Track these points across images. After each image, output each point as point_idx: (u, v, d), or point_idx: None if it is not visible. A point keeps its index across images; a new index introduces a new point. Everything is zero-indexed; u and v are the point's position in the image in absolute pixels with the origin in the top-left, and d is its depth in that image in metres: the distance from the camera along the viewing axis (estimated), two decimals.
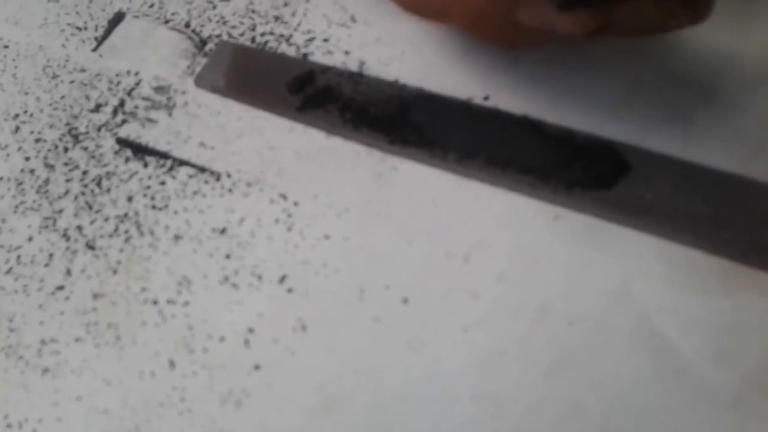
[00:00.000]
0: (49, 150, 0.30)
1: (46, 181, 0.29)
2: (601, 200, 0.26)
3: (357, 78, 0.30)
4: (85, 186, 0.29)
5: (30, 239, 0.28)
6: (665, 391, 0.23)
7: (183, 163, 0.29)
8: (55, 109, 0.31)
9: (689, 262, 0.24)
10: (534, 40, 0.24)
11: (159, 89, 0.31)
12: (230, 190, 0.28)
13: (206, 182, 0.28)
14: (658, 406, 0.22)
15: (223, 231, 0.27)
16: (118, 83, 0.31)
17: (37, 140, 0.30)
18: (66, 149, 0.30)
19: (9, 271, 0.27)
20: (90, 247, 0.27)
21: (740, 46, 0.28)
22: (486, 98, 0.29)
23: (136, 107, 0.31)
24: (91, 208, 0.28)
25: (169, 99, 0.31)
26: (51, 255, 0.27)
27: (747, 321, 0.23)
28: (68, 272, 0.27)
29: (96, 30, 0.33)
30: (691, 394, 0.22)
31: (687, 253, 0.25)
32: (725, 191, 0.25)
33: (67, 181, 0.29)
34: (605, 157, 0.27)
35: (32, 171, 0.29)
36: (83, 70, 0.32)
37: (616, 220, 0.25)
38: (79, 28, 0.34)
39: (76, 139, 0.30)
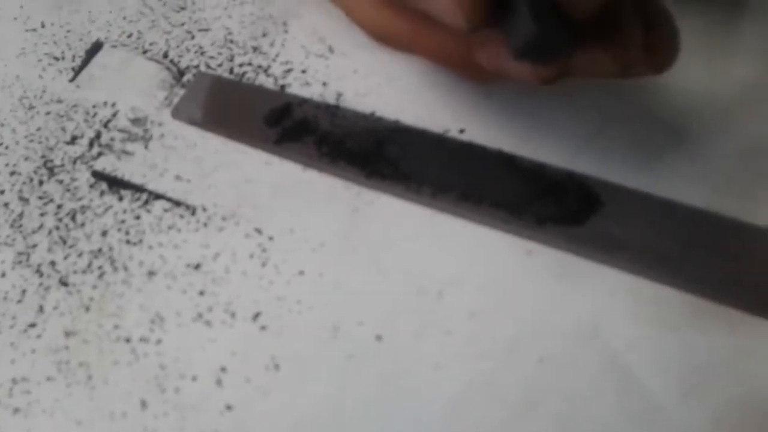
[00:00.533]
0: (24, 183, 0.30)
1: (21, 215, 0.29)
2: (573, 236, 0.26)
3: (334, 110, 0.30)
4: (60, 220, 0.29)
5: (3, 275, 0.27)
6: (635, 430, 0.23)
7: (158, 196, 0.29)
8: (31, 141, 0.31)
9: (659, 298, 0.25)
10: (497, 78, 0.24)
11: (136, 121, 0.31)
12: (205, 225, 0.28)
13: (181, 216, 0.28)
14: None
15: (197, 266, 0.27)
16: (95, 114, 0.32)
17: (12, 173, 0.30)
18: (41, 182, 0.30)
19: None
20: (63, 283, 0.27)
21: (709, 84, 0.29)
22: (462, 131, 0.29)
23: (112, 139, 0.31)
24: (65, 242, 0.28)
25: (145, 131, 0.31)
26: (24, 291, 0.27)
27: (717, 359, 0.24)
28: (41, 309, 0.27)
29: (74, 60, 0.33)
30: None
31: (657, 290, 0.25)
32: (695, 227, 0.26)
33: (42, 215, 0.29)
34: (577, 192, 0.27)
35: (6, 205, 0.29)
36: (60, 101, 0.32)
37: (587, 255, 0.26)
38: (56, 58, 0.34)
39: (51, 171, 0.30)
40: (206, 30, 0.34)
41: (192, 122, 0.31)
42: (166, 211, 0.28)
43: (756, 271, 0.25)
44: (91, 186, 0.29)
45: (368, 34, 0.28)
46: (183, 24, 0.34)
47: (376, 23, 0.25)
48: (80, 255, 0.28)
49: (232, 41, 0.33)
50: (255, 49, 0.33)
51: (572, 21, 0.20)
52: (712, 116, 0.28)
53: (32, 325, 0.26)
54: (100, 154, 0.30)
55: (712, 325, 0.24)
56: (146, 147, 0.30)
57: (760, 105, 0.29)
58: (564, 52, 0.20)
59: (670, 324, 0.24)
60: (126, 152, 0.30)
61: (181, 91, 0.32)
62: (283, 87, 0.31)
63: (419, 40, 0.24)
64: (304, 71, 0.32)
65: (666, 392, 0.23)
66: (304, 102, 0.30)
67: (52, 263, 0.28)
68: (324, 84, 0.31)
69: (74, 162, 0.30)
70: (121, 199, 0.29)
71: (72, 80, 0.33)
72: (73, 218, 0.29)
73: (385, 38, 0.26)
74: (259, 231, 0.28)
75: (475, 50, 0.23)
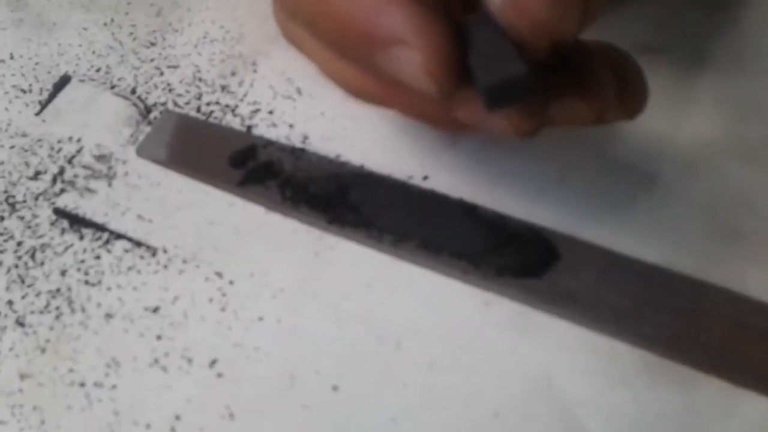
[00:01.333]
0: None
1: None
2: (530, 288, 0.26)
3: (299, 153, 0.30)
4: (19, 258, 0.28)
5: None
6: None
7: (120, 236, 0.29)
8: None
9: (612, 353, 0.25)
10: (475, 132, 0.25)
11: (100, 158, 0.31)
12: (165, 267, 0.28)
13: (142, 257, 0.28)
14: None
15: (155, 310, 0.27)
16: (59, 150, 0.31)
17: None
18: (2, 218, 0.30)
19: None
20: (20, 323, 0.27)
21: (673, 135, 0.29)
22: (425, 178, 0.29)
23: (75, 176, 0.30)
24: (23, 281, 0.28)
25: (109, 168, 0.31)
26: None
27: (668, 416, 0.24)
28: None
29: (41, 93, 0.33)
30: None
31: (610, 345, 0.25)
32: (650, 283, 0.26)
33: (1, 252, 0.29)
34: (535, 244, 0.27)
35: None
36: (25, 135, 0.32)
37: (543, 308, 0.26)
38: (23, 91, 0.34)
39: (12, 207, 0.30)
40: (175, 67, 0.34)
41: (156, 161, 0.31)
42: (126, 251, 0.28)
43: (708, 328, 0.25)
44: (52, 223, 0.29)
45: (343, 89, 0.28)
46: (152, 60, 0.34)
47: (349, 80, 0.25)
48: (38, 294, 0.27)
49: (200, 79, 0.33)
50: (223, 87, 0.33)
51: (534, 63, 0.20)
52: (675, 169, 0.28)
53: None
54: (62, 191, 0.30)
55: (664, 381, 0.24)
56: (110, 185, 0.30)
57: (719, 158, 0.29)
58: (530, 94, 0.20)
59: (623, 379, 0.24)
60: (89, 189, 0.30)
61: (147, 129, 0.32)
62: (249, 128, 0.31)
63: (393, 99, 0.25)
64: (270, 112, 0.32)
65: None
66: (269, 144, 0.31)
67: (10, 302, 0.27)
68: (290, 126, 0.31)
69: (36, 198, 0.30)
70: (81, 237, 0.29)
71: (38, 114, 0.33)
72: (33, 256, 0.28)
73: (357, 94, 0.26)
74: (219, 275, 0.28)
75: (454, 109, 0.23)
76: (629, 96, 0.24)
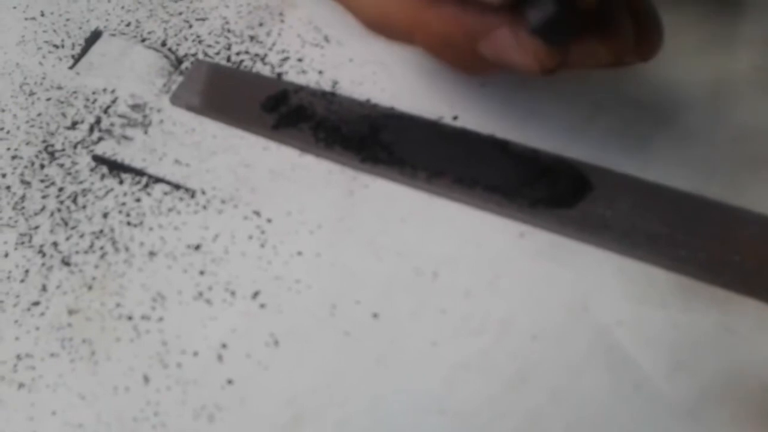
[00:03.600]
0: (25, 167, 0.30)
1: (23, 198, 0.29)
2: (563, 218, 0.27)
3: (330, 97, 0.31)
4: (61, 203, 0.29)
5: (6, 255, 0.28)
6: (623, 403, 0.23)
7: (158, 180, 0.29)
8: (32, 126, 0.31)
9: (647, 277, 0.25)
10: (495, 70, 0.25)
11: (135, 107, 0.32)
12: (204, 207, 0.28)
13: (181, 199, 0.29)
14: (617, 418, 0.23)
15: (197, 247, 0.27)
16: (95, 101, 0.32)
17: (14, 157, 0.31)
18: (42, 166, 0.30)
19: None
20: (65, 263, 0.28)
21: (699, 74, 0.30)
22: (455, 118, 0.30)
23: (112, 125, 0.31)
24: (66, 224, 0.28)
25: (144, 117, 0.31)
26: (27, 271, 0.27)
27: (704, 335, 0.24)
28: (44, 288, 0.27)
29: (73, 48, 0.34)
30: (649, 406, 0.23)
31: (645, 270, 0.26)
32: (682, 210, 0.26)
33: (43, 197, 0.29)
34: (568, 176, 0.27)
35: (8, 188, 0.30)
36: (60, 88, 0.33)
37: (577, 237, 0.26)
38: (56, 46, 0.34)
39: (52, 156, 0.30)
40: (203, 19, 0.34)
41: (190, 108, 0.31)
42: (165, 194, 0.29)
43: (740, 251, 0.25)
44: (92, 170, 0.30)
45: (364, 23, 0.28)
46: (181, 13, 0.35)
47: (374, 11, 0.26)
48: (82, 236, 0.28)
49: (229, 30, 0.34)
50: (252, 38, 0.33)
51: (577, 10, 0.21)
52: (701, 104, 0.29)
53: (36, 304, 0.27)
54: (100, 139, 0.31)
55: (698, 302, 0.25)
56: (146, 132, 0.31)
57: (747, 95, 0.30)
58: (571, 36, 0.21)
59: (658, 301, 0.25)
60: (126, 137, 0.31)
61: (180, 79, 0.32)
62: (279, 75, 0.32)
63: (419, 28, 0.25)
64: (300, 60, 0.32)
65: (653, 366, 0.24)
66: (300, 89, 0.31)
67: (55, 244, 0.28)
68: (320, 72, 0.32)
69: (75, 146, 0.31)
70: (121, 182, 0.29)
71: (71, 67, 0.33)
72: (75, 201, 0.29)
73: (381, 27, 0.26)
74: (257, 213, 0.28)
75: (478, 42, 0.23)
76: (645, 39, 0.24)
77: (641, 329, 0.25)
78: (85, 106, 0.32)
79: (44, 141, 0.31)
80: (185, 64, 0.33)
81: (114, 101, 0.32)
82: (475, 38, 0.23)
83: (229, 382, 0.25)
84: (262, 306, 0.26)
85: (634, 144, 0.29)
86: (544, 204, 0.27)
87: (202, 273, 0.27)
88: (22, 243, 0.28)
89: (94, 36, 0.34)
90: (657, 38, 0.25)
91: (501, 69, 0.24)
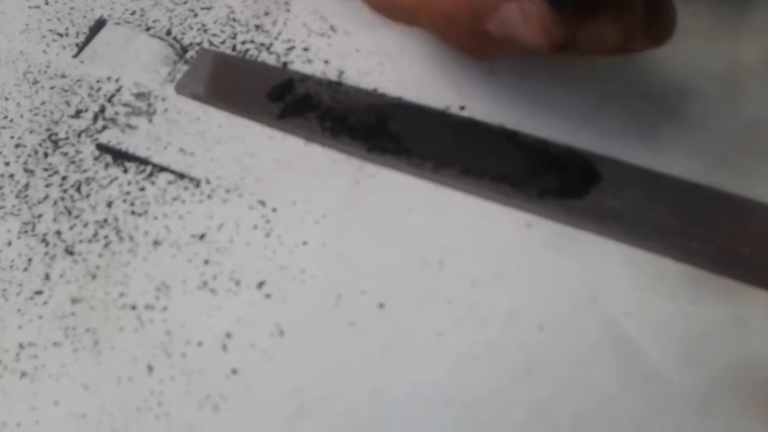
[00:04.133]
0: (29, 155, 0.30)
1: (26, 186, 0.29)
2: (572, 209, 0.26)
3: (336, 87, 0.30)
4: (65, 191, 0.29)
5: (9, 244, 0.28)
6: (632, 395, 0.23)
7: (163, 169, 0.29)
8: (36, 114, 0.31)
9: (657, 268, 0.25)
10: (502, 52, 0.25)
11: (139, 96, 0.31)
12: (209, 197, 0.28)
13: (186, 188, 0.28)
14: (626, 409, 0.23)
15: (202, 237, 0.27)
16: (99, 89, 0.32)
17: (17, 145, 0.30)
18: (46, 154, 0.30)
19: None
20: (69, 252, 0.27)
21: (710, 64, 0.29)
22: (462, 108, 0.29)
23: (116, 113, 0.31)
24: (70, 213, 0.28)
25: (149, 105, 0.31)
26: (30, 260, 0.27)
27: (714, 327, 0.24)
28: (47, 277, 0.27)
29: (77, 36, 0.34)
30: (658, 398, 0.23)
31: (655, 261, 0.25)
32: (691, 201, 0.26)
33: (47, 186, 0.29)
34: (577, 166, 0.27)
35: (12, 176, 0.29)
36: (64, 76, 0.32)
37: (586, 227, 0.26)
38: (60, 35, 0.34)
39: (56, 144, 0.30)
40: (209, 8, 0.34)
41: (195, 97, 0.31)
42: (170, 183, 0.29)
43: (751, 243, 0.25)
44: (96, 158, 0.30)
45: (370, 4, 0.28)
46: (186, 2, 0.34)
47: None
48: (86, 225, 0.28)
49: (234, 19, 0.34)
50: (257, 27, 0.33)
51: None
52: (711, 94, 0.28)
53: (39, 292, 0.26)
54: (104, 128, 0.30)
55: (709, 293, 0.25)
56: (150, 121, 0.30)
57: (758, 85, 0.29)
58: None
59: (668, 293, 0.25)
60: (130, 126, 0.30)
61: (184, 67, 0.32)
62: (285, 64, 0.32)
63: (425, 6, 0.25)
64: (306, 49, 0.32)
65: (663, 358, 0.24)
66: (306, 78, 0.31)
67: (58, 233, 0.28)
68: (326, 62, 0.32)
69: (79, 135, 0.30)
70: (125, 171, 0.29)
71: (76, 56, 0.33)
72: (78, 189, 0.29)
73: (387, 7, 0.26)
74: (262, 203, 0.28)
75: (485, 18, 0.23)
76: (657, 22, 0.24)
77: (651, 320, 0.24)
78: (90, 95, 0.32)
79: (48, 129, 0.31)
80: (190, 53, 0.32)
81: (118, 90, 0.32)
82: (480, 16, 0.23)
83: (234, 372, 0.24)
84: (267, 296, 0.26)
85: (644, 134, 0.28)
86: (553, 194, 0.27)
87: (206, 262, 0.27)
88: (26, 232, 0.28)
89: (99, 24, 0.34)
90: (670, 22, 0.24)
91: (507, 51, 0.24)
